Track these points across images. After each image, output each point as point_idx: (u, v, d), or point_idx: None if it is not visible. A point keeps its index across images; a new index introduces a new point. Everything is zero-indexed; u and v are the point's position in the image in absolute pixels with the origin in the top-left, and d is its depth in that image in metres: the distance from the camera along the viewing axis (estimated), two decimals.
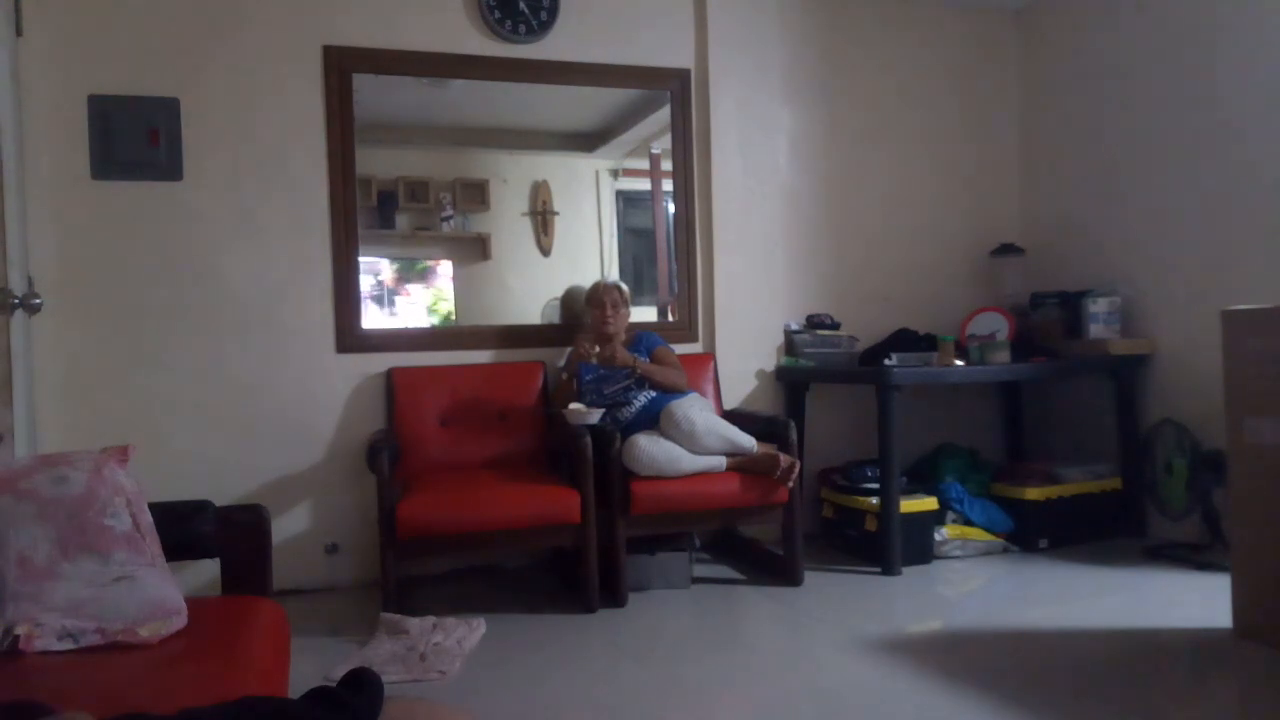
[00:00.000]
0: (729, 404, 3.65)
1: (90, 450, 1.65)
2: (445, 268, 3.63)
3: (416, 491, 2.84)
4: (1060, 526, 3.48)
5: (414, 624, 2.64)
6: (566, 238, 3.72)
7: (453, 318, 3.60)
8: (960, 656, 2.41)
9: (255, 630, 1.53)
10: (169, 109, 3.12)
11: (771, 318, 3.85)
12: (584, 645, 2.61)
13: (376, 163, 3.44)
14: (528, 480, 2.97)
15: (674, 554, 3.12)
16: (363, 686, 0.70)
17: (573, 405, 3.09)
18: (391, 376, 3.32)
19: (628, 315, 3.41)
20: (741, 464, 3.02)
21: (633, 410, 3.20)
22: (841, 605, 2.91)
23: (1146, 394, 3.64)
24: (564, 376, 3.28)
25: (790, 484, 3.01)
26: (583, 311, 3.48)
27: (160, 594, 1.50)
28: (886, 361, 3.48)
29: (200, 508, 1.78)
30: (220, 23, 3.19)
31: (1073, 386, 4.01)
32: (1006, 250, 4.07)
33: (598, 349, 3.20)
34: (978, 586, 3.13)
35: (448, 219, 3.60)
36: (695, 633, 2.77)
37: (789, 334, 3.86)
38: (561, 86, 3.61)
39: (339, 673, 1.96)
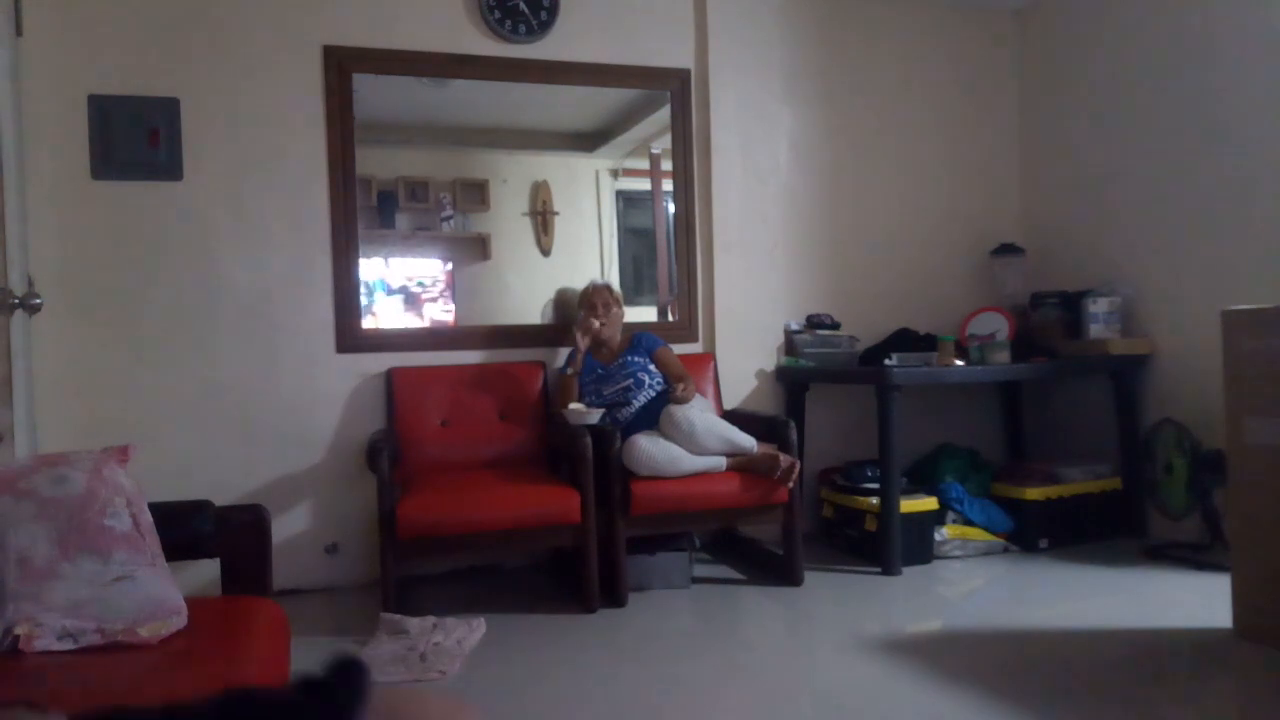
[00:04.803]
0: (729, 404, 3.65)
1: (90, 450, 1.65)
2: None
3: (416, 491, 2.84)
4: (1060, 526, 3.48)
5: (414, 624, 2.64)
6: (566, 238, 3.72)
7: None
8: (960, 656, 2.41)
9: (255, 630, 1.53)
10: (169, 109, 3.12)
11: (771, 318, 3.85)
12: (584, 645, 2.61)
13: (376, 163, 3.44)
14: (528, 480, 2.97)
15: (674, 554, 3.12)
16: (350, 674, 0.68)
17: (573, 405, 3.09)
18: (391, 376, 3.32)
19: (621, 315, 3.42)
20: (741, 464, 3.02)
21: (632, 410, 3.21)
22: (841, 605, 2.91)
23: (1146, 394, 3.64)
24: (569, 371, 3.28)
25: (790, 484, 3.01)
26: (574, 313, 3.49)
27: (160, 594, 1.50)
28: (886, 361, 3.48)
29: (200, 508, 1.78)
30: (220, 23, 3.19)
31: (1073, 386, 4.01)
32: (1006, 250, 4.07)
33: (599, 323, 3.30)
34: (978, 586, 3.13)
35: (448, 219, 3.60)
36: (695, 633, 2.77)
37: (789, 334, 3.86)
38: (561, 86, 3.61)
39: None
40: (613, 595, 2.91)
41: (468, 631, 2.63)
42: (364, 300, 3.41)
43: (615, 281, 3.65)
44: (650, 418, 3.10)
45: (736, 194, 3.80)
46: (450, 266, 3.59)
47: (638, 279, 3.82)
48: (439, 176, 3.58)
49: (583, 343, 3.30)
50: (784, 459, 3.00)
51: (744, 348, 3.79)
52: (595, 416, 3.04)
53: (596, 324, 3.32)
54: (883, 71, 4.08)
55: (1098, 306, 3.63)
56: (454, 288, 3.58)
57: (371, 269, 3.43)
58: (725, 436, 3.01)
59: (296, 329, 3.28)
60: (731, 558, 3.52)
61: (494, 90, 3.55)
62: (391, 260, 3.49)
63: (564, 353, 3.48)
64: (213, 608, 1.62)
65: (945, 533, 3.38)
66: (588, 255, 3.77)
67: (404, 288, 3.49)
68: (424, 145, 3.66)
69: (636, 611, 2.87)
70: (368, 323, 3.40)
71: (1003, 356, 3.54)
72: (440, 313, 3.55)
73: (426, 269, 3.53)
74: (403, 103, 3.54)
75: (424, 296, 3.51)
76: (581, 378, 3.31)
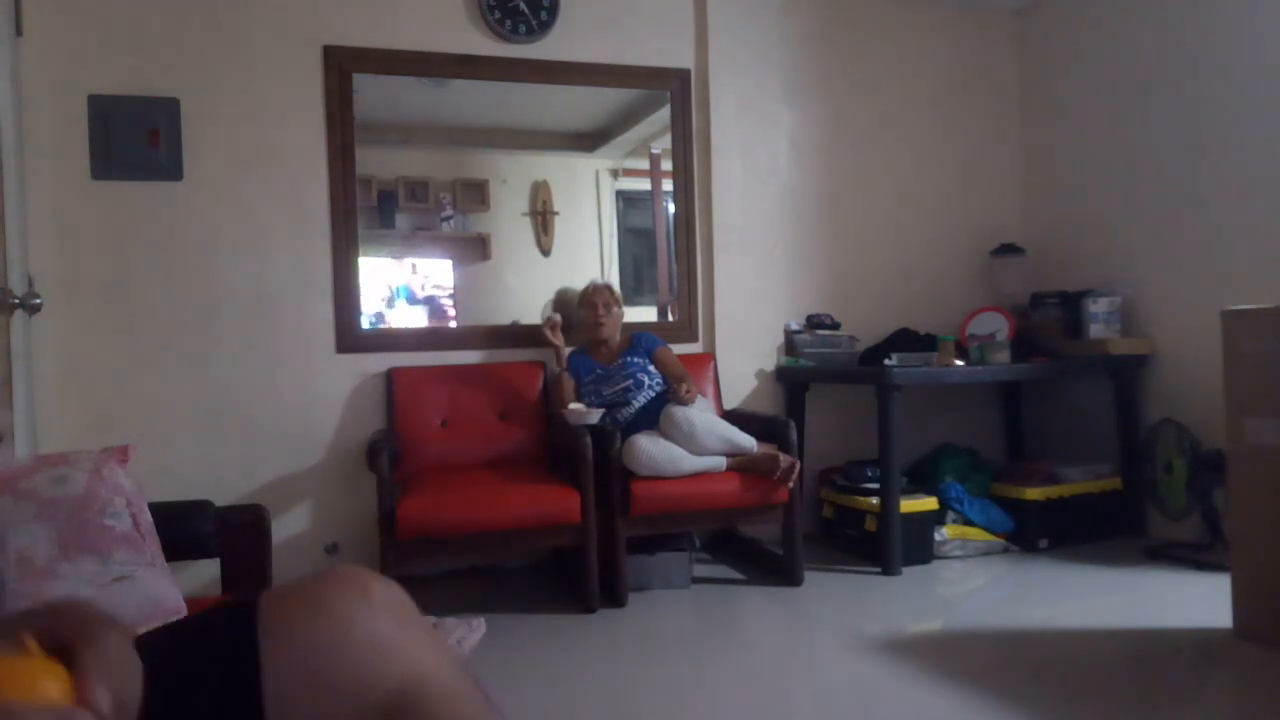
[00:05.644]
0: (729, 404, 3.65)
1: (90, 450, 1.65)
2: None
3: (416, 491, 2.84)
4: (1060, 526, 3.48)
5: None
6: (566, 238, 3.72)
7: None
8: (960, 656, 2.41)
9: None
10: (169, 109, 3.12)
11: (771, 318, 3.85)
12: (584, 645, 2.61)
13: (376, 163, 3.44)
14: (528, 480, 2.97)
15: (674, 554, 3.12)
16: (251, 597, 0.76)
17: (573, 405, 3.09)
18: (391, 376, 3.32)
19: (621, 315, 3.43)
20: (741, 464, 3.02)
21: (632, 410, 3.21)
22: (841, 605, 2.91)
23: (1146, 394, 3.64)
24: (557, 369, 3.30)
25: (790, 484, 3.01)
26: (574, 313, 3.49)
27: (160, 594, 1.50)
28: (886, 361, 3.48)
29: (200, 508, 1.78)
30: (220, 23, 3.19)
31: (1073, 386, 4.01)
32: (1006, 250, 4.07)
33: (557, 316, 3.35)
34: (978, 586, 3.13)
35: (448, 219, 3.60)
36: (695, 633, 2.77)
37: (789, 334, 3.86)
38: (561, 86, 3.61)
39: None
40: (613, 595, 2.91)
41: (468, 631, 2.62)
42: (382, 308, 3.42)
43: (615, 281, 3.65)
44: (650, 418, 3.10)
45: (736, 194, 3.80)
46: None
47: (638, 279, 3.82)
48: (439, 176, 3.58)
49: (555, 339, 3.31)
50: (784, 459, 3.00)
51: (744, 348, 3.79)
52: (595, 416, 3.04)
53: (558, 318, 3.35)
54: (883, 71, 4.08)
55: (1098, 306, 3.63)
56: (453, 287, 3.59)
57: (397, 274, 3.43)
58: (725, 436, 3.01)
59: (296, 329, 3.28)
60: (731, 558, 3.52)
61: (494, 90, 3.55)
62: (419, 264, 3.49)
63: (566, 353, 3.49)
64: None
65: (945, 533, 3.38)
66: (588, 255, 3.77)
67: (431, 298, 3.49)
68: (424, 145, 3.66)
69: (636, 611, 2.87)
70: (381, 328, 3.41)
71: (1003, 356, 3.54)
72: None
73: (444, 274, 3.53)
74: (403, 103, 3.54)
75: (449, 310, 3.52)
76: (581, 378, 3.31)
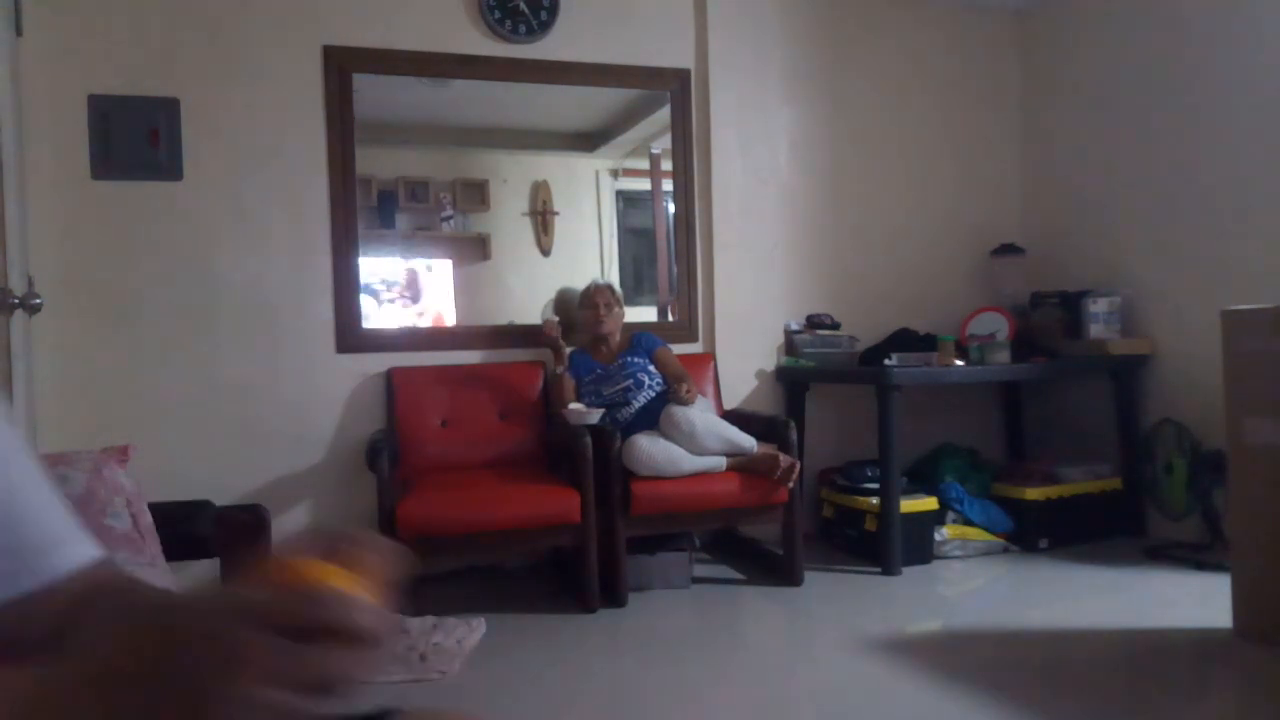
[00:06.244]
0: (729, 404, 3.65)
1: (90, 450, 1.65)
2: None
3: (416, 491, 2.84)
4: (1060, 526, 3.48)
5: (414, 624, 2.64)
6: (566, 238, 3.72)
7: None
8: (960, 656, 2.41)
9: None
10: (169, 109, 3.12)
11: (771, 318, 3.85)
12: (584, 645, 2.61)
13: (376, 163, 3.44)
14: (528, 480, 2.97)
15: (674, 554, 3.12)
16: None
17: (573, 405, 3.09)
18: (391, 376, 3.32)
19: (621, 314, 3.43)
20: (741, 464, 3.02)
21: (632, 410, 3.21)
22: (841, 605, 2.91)
23: (1146, 394, 3.64)
24: (558, 370, 3.30)
25: (790, 484, 3.01)
26: (575, 313, 3.49)
27: None
28: (886, 361, 3.48)
29: (200, 508, 1.78)
30: (220, 23, 3.19)
31: (1073, 386, 4.01)
32: (1006, 250, 4.07)
33: (555, 318, 3.34)
34: (978, 586, 3.13)
35: (448, 219, 3.60)
36: (695, 633, 2.77)
37: (789, 334, 3.86)
38: (561, 86, 3.61)
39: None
40: (613, 595, 2.91)
41: (468, 631, 2.63)
42: None
43: (615, 281, 3.65)
44: (650, 418, 3.10)
45: (736, 194, 3.80)
46: (410, 267, 3.56)
47: (638, 279, 3.82)
48: (439, 176, 3.58)
49: (554, 333, 3.30)
50: (784, 459, 3.00)
51: (744, 348, 3.79)
52: (595, 416, 3.04)
53: (556, 320, 3.34)
54: (883, 72, 4.08)
55: (1098, 306, 3.63)
56: (416, 289, 3.55)
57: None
58: (725, 436, 3.01)
59: (296, 329, 3.28)
60: (731, 558, 3.52)
61: (494, 90, 3.55)
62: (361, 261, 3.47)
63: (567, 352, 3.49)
64: None
65: (945, 533, 3.37)
66: (588, 255, 3.77)
67: (366, 285, 3.45)
68: (424, 145, 3.66)
69: (636, 611, 2.87)
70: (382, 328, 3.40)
71: (1003, 356, 3.54)
72: (404, 315, 3.51)
73: (387, 269, 3.50)
74: (403, 103, 3.54)
75: (383, 296, 3.49)
76: (581, 378, 3.31)
